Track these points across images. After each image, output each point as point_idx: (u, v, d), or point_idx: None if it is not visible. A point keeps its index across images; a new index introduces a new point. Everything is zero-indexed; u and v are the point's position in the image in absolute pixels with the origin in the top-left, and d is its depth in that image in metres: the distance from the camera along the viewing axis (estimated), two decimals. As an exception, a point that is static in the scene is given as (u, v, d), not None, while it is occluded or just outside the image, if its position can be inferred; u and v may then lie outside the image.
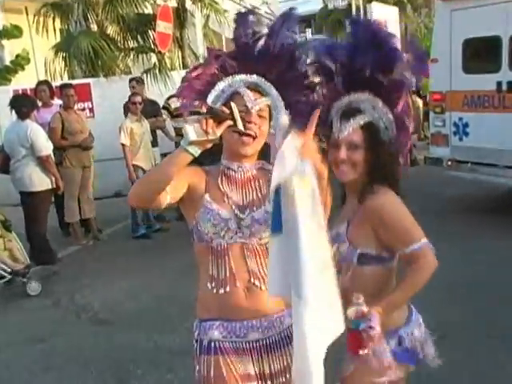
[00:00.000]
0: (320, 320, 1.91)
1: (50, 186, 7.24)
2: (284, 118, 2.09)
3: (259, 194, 2.29)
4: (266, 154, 2.40)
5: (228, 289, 2.24)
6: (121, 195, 10.23)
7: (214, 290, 2.27)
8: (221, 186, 2.29)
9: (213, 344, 2.30)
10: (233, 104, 2.10)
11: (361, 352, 2.10)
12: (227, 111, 2.06)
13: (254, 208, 2.24)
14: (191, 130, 2.01)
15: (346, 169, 2.36)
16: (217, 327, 2.29)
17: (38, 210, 7.19)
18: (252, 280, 2.23)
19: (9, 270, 6.35)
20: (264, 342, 2.30)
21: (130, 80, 9.74)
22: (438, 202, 9.01)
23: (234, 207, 2.25)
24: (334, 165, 2.38)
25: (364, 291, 2.16)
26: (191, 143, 2.03)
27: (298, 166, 1.89)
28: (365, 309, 2.06)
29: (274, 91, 2.33)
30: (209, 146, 2.06)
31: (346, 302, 2.08)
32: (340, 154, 2.34)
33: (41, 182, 7.16)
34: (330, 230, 2.26)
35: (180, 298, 5.68)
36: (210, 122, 2.01)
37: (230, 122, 2.06)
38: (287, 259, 1.95)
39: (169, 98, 9.31)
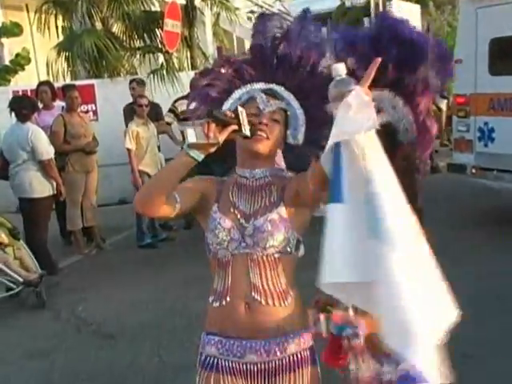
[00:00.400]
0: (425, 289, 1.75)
1: (51, 192, 7.28)
2: (341, 66, 1.89)
3: (267, 202, 2.28)
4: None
5: (224, 302, 2.25)
6: (125, 202, 10.26)
7: (214, 304, 2.28)
8: (231, 196, 2.31)
9: (208, 359, 2.31)
10: (240, 108, 2.11)
11: (339, 362, 2.06)
12: (232, 115, 2.08)
13: (258, 216, 2.24)
14: (191, 133, 2.05)
15: None
16: (215, 343, 2.30)
17: (38, 217, 7.23)
18: (252, 293, 2.22)
19: (21, 280, 6.34)
20: (262, 367, 2.26)
21: (131, 81, 9.78)
22: (461, 211, 8.97)
23: (239, 216, 2.26)
24: None
25: None
26: (191, 146, 2.07)
27: (369, 121, 1.77)
28: (352, 315, 2.02)
29: (293, 100, 2.36)
30: (211, 150, 2.08)
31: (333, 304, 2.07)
32: None
33: (42, 187, 7.20)
34: None
35: (187, 310, 5.70)
36: (212, 125, 2.03)
37: (234, 127, 2.08)
38: (355, 232, 1.79)
39: (176, 101, 9.35)
